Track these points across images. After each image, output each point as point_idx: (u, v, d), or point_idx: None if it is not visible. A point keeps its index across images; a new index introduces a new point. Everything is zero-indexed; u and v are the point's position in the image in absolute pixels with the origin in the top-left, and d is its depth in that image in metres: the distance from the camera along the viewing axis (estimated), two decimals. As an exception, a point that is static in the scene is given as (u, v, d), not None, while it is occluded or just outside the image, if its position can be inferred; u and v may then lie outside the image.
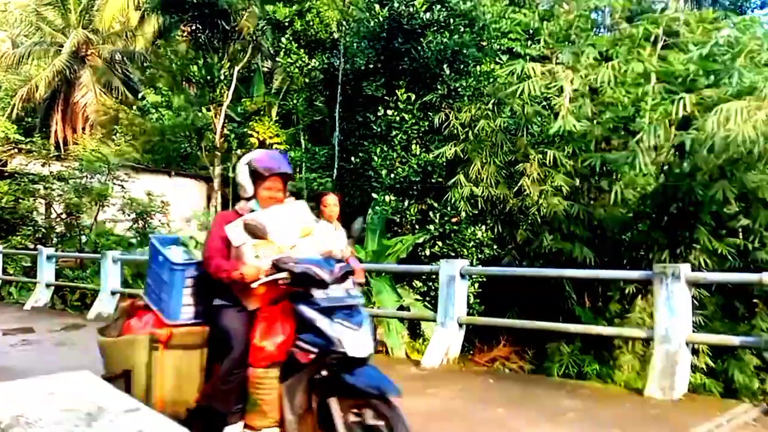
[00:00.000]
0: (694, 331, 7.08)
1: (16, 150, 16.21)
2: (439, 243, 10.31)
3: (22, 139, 16.27)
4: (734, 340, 7.17)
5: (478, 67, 10.53)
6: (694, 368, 9.09)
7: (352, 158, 11.95)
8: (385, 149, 10.81)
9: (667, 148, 9.26)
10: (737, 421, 5.51)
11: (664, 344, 6.30)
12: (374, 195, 10.91)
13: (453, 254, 10.16)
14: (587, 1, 10.21)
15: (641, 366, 9.45)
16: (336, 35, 13.56)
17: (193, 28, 16.78)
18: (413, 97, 10.80)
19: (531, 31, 10.82)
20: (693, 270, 7.27)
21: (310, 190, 13.33)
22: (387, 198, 10.66)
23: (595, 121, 10.07)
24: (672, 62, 9.34)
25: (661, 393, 6.10)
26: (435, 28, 10.91)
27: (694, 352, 9.07)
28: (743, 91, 8.53)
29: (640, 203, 9.90)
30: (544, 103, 10.23)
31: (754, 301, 9.34)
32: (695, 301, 9.19)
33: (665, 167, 9.40)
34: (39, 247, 13.68)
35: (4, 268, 14.11)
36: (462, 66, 10.69)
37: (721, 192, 8.38)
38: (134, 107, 20.77)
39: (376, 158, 10.81)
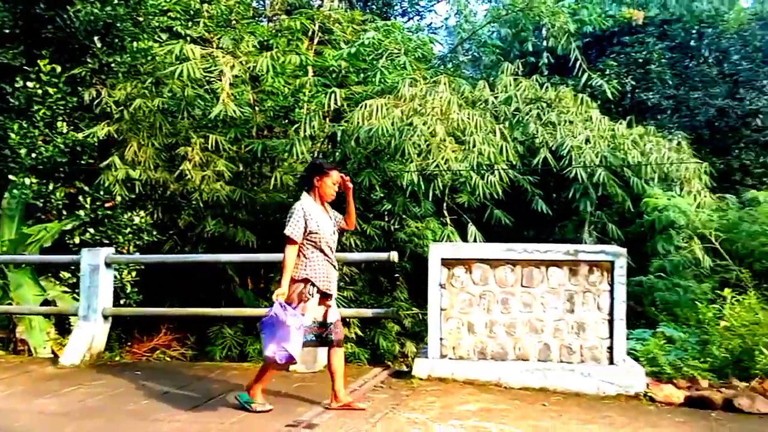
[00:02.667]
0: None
1: None
2: (91, 230, 9.09)
3: None
4: (367, 312, 7.71)
5: (134, 44, 9.51)
6: (347, 339, 9.66)
7: (-16, 134, 9.94)
8: (25, 126, 9.15)
9: (321, 137, 9.55)
10: (368, 385, 5.82)
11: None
12: (11, 177, 9.18)
13: (107, 241, 9.09)
14: (248, -12, 9.98)
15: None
16: (-35, -8, 11.13)
17: None
18: (59, 69, 9.32)
19: (192, 12, 10.16)
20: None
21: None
22: (27, 180, 9.05)
23: (257, 108, 9.93)
24: (327, 57, 9.62)
25: (304, 366, 6.22)
26: (84, -4, 9.56)
27: (347, 324, 9.64)
28: (387, 89, 9.16)
29: (298, 189, 10.06)
30: (207, 86, 9.72)
31: (396, 275, 10.26)
32: (346, 278, 9.76)
33: (320, 155, 9.68)
34: None
35: None
36: (116, 40, 9.55)
37: (367, 179, 8.96)
38: None
39: (13, 135, 9.08)
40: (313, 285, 4.83)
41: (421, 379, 5.89)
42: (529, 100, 8.79)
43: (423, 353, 6.17)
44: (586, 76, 10.05)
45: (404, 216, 9.84)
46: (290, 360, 4.69)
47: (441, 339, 5.95)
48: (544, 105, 8.72)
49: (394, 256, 6.44)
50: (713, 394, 5.56)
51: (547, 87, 9.18)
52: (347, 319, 9.23)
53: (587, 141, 8.60)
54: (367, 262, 9.47)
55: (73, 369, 6.33)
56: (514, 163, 8.45)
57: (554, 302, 5.89)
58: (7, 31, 9.69)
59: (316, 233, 4.84)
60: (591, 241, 8.75)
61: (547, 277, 5.90)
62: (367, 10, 13.03)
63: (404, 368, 6.81)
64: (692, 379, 6.03)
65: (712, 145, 11.84)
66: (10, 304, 8.72)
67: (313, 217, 4.84)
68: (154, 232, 9.46)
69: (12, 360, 7.03)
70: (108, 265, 6.70)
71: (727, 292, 7.34)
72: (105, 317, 6.64)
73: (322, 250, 4.89)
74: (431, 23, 15.42)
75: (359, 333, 9.76)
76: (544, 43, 10.92)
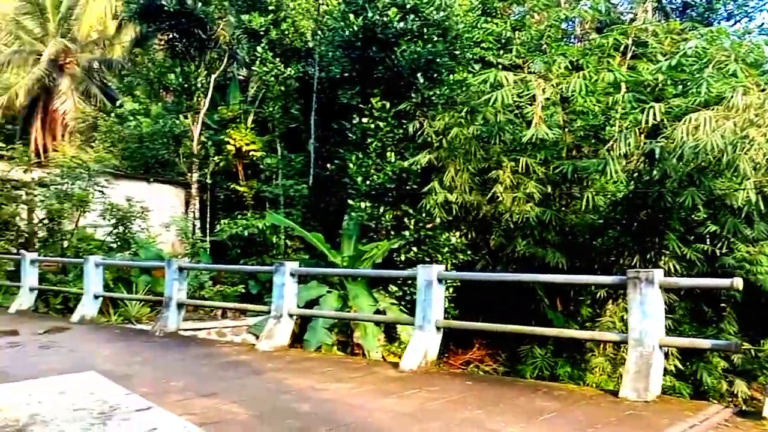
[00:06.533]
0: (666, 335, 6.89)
1: (-3, 157, 15.46)
2: (414, 248, 9.99)
3: (3, 145, 15.46)
4: (705, 343, 6.94)
5: (451, 76, 10.24)
6: (665, 371, 8.94)
7: (328, 165, 11.58)
8: (361, 156, 10.47)
9: (636, 155, 9.08)
10: (710, 421, 5.27)
11: (638, 347, 6.05)
12: (350, 201, 10.56)
13: (428, 259, 9.86)
14: (558, 11, 10.00)
15: (612, 368, 9.24)
16: (311, 44, 13.17)
17: (170, 36, 16.28)
18: (388, 105, 10.47)
19: (503, 41, 10.56)
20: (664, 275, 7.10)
21: (286, 196, 12.95)
22: (363, 204, 10.33)
23: (566, 129, 9.86)
24: (641, 72, 9.13)
25: (636, 394, 5.86)
26: (408, 37, 10.60)
27: (665, 355, 8.95)
28: (711, 100, 8.36)
29: (611, 209, 9.71)
30: (517, 111, 9.98)
31: (722, 305, 9.24)
32: (665, 306, 9.07)
33: (635, 174, 9.21)
34: (22, 251, 13.03)
35: (-12, 272, 13.46)
36: (435, 75, 10.40)
37: (690, 199, 8.21)
38: (112, 114, 20.08)
39: (351, 165, 10.46)
40: None
41: (774, 423, 5.18)
42: None
43: (778, 395, 5.41)
44: None
45: (732, 239, 8.85)
46: None
47: (803, 382, 5.16)
48: None
49: (738, 283, 5.75)
50: None
51: None
52: (667, 349, 8.58)
53: None
54: (689, 289, 8.71)
55: (411, 373, 6.84)
56: None
57: None
58: (345, 74, 11.23)
59: None
60: None
61: None
62: (685, 18, 12.08)
63: (736, 407, 6.07)
64: None
65: None
66: (348, 311, 10.00)
67: None
68: (468, 252, 9.98)
69: (359, 362, 7.93)
70: (440, 280, 7.14)
71: None
72: (437, 328, 7.07)
73: None
74: (762, 24, 13.65)
75: (679, 366, 9.02)
76: None
